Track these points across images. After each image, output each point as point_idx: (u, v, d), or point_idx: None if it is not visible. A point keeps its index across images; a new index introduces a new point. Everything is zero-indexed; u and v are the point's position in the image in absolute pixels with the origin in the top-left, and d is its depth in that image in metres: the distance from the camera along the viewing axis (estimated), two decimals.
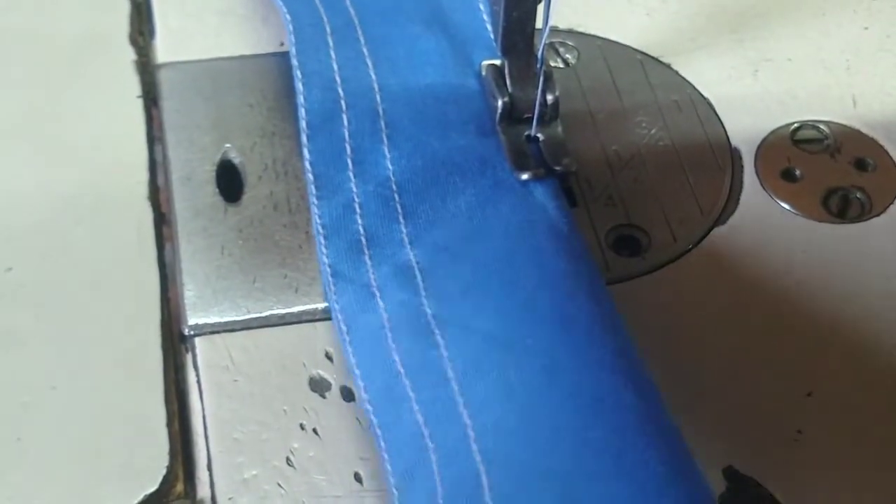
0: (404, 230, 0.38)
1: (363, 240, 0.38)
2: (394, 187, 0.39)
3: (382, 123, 0.40)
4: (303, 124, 0.40)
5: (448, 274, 0.36)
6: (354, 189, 0.39)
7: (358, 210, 0.38)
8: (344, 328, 0.36)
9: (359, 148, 0.40)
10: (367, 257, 0.37)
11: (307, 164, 0.39)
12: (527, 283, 0.35)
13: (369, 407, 0.34)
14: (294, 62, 0.42)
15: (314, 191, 0.39)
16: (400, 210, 0.38)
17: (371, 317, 0.36)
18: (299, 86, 0.41)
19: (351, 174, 0.39)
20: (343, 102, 0.41)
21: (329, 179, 0.39)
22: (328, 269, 0.37)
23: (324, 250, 0.38)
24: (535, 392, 0.32)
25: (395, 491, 0.32)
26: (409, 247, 0.37)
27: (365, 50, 0.42)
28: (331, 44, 0.42)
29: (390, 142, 0.40)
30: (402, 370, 0.34)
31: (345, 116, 0.40)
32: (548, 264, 0.36)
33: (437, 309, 0.35)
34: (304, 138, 0.40)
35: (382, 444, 0.33)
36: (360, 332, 0.36)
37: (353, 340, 0.36)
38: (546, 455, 0.31)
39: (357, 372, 0.35)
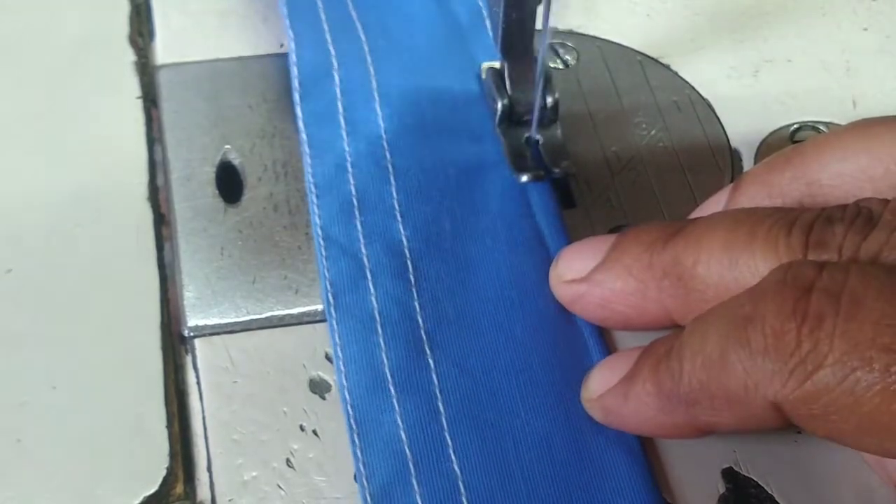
0: (395, 195, 0.38)
1: (355, 201, 0.38)
2: (385, 145, 0.40)
3: (374, 82, 0.41)
4: (295, 83, 0.41)
5: (439, 278, 0.37)
6: (347, 147, 0.39)
7: (350, 169, 0.39)
8: (332, 301, 0.36)
9: (350, 105, 0.41)
10: (358, 222, 0.38)
11: (300, 124, 0.40)
12: (512, 319, 0.36)
13: (348, 397, 0.34)
14: (286, 21, 0.43)
15: (307, 150, 0.40)
16: (391, 170, 0.39)
17: (362, 301, 0.36)
18: (291, 45, 0.42)
19: (343, 132, 0.40)
20: (335, 60, 0.42)
21: (322, 139, 0.40)
22: (319, 233, 0.38)
23: (316, 210, 0.38)
24: (529, 457, 0.33)
25: (368, 498, 0.32)
26: (400, 221, 0.38)
27: (354, 13, 0.43)
28: (320, 5, 0.44)
29: (382, 99, 0.41)
30: (389, 377, 0.34)
31: (336, 75, 0.41)
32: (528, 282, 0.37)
33: (429, 326, 0.35)
34: (296, 97, 0.41)
35: (357, 441, 0.33)
36: (349, 314, 0.36)
37: (340, 319, 0.36)
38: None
39: (340, 356, 0.35)
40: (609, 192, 0.40)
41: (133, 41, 0.45)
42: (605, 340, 0.36)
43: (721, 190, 0.36)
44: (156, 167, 0.41)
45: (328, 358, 0.36)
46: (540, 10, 0.37)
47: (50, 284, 0.37)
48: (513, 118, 0.40)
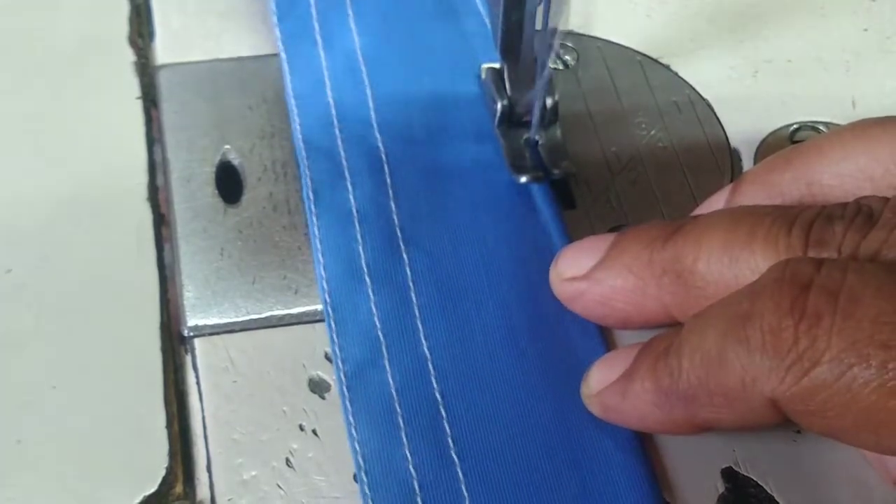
0: (371, 105, 0.41)
1: (333, 111, 0.41)
2: (360, 59, 0.42)
3: (348, 1, 0.44)
4: (272, 6, 0.43)
5: (414, 180, 0.39)
6: (323, 63, 0.43)
7: (327, 83, 0.42)
8: (312, 197, 0.39)
9: (325, 22, 0.44)
10: (336, 129, 0.41)
11: (278, 44, 0.43)
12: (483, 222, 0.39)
13: (325, 286, 0.36)
14: None
15: (286, 67, 0.42)
16: (367, 82, 0.42)
17: (340, 197, 0.39)
18: None
19: (320, 49, 0.43)
20: None
21: (299, 56, 0.42)
22: (300, 137, 0.40)
23: (296, 119, 0.41)
24: (495, 340, 0.35)
25: (343, 378, 0.34)
26: (376, 129, 0.41)
27: None
28: None
29: (356, 16, 0.44)
30: (366, 269, 0.37)
31: None
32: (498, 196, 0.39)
33: (404, 223, 0.38)
34: (273, 19, 0.43)
35: (333, 326, 0.36)
36: (329, 209, 0.38)
37: (319, 214, 0.38)
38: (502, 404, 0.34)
39: (319, 247, 0.37)
40: (609, 193, 0.40)
41: (133, 41, 0.45)
42: (604, 335, 0.36)
43: (720, 190, 0.36)
44: (156, 167, 0.41)
45: (328, 358, 0.36)
46: (540, 10, 0.37)
47: (50, 285, 0.37)
48: (512, 119, 0.40)
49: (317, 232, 0.38)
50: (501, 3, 0.37)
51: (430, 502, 0.32)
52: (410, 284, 0.36)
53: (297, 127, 0.40)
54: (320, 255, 0.37)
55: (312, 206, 0.38)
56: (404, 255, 0.37)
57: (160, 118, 0.42)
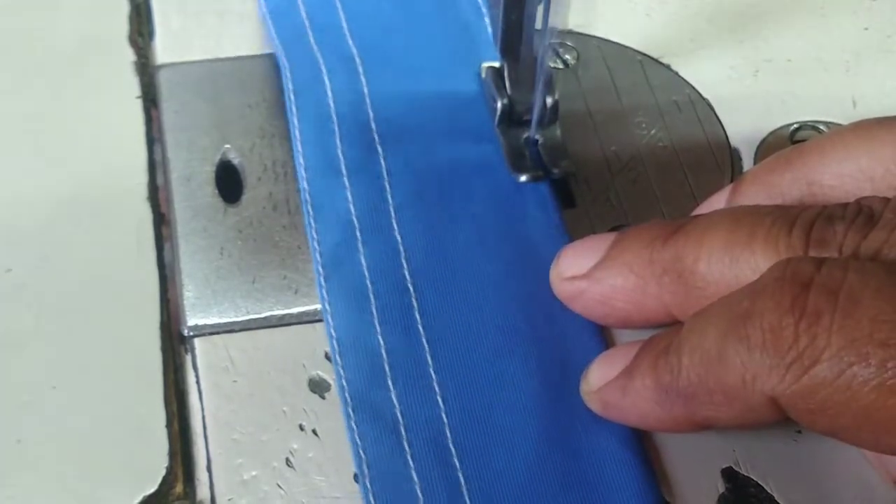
0: (344, 23, 0.44)
1: (306, 22, 0.43)
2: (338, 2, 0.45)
3: None
4: None
5: (390, 85, 0.41)
6: (303, 11, 0.44)
7: (304, 11, 0.44)
8: (293, 98, 0.41)
9: None
10: (312, 40, 0.43)
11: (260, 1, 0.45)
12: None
13: (306, 185, 0.39)
14: None
15: (268, 16, 0.44)
16: (339, 5, 0.44)
17: (319, 102, 0.41)
18: None
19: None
20: None
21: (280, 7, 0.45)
22: (281, 51, 0.42)
23: (273, 31, 0.43)
24: (466, 232, 0.38)
25: (321, 270, 0.36)
26: (350, 38, 0.43)
27: None
28: None
29: None
30: (343, 162, 0.39)
31: None
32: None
33: (380, 124, 0.40)
34: None
35: (312, 221, 0.38)
36: (309, 111, 0.40)
37: (301, 118, 0.40)
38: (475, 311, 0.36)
39: (301, 150, 0.39)
40: (609, 192, 0.40)
41: (133, 41, 0.45)
42: (603, 334, 0.36)
43: (721, 190, 0.36)
44: (156, 167, 0.41)
45: (328, 357, 0.36)
46: (540, 10, 0.37)
47: (50, 284, 0.37)
48: (512, 118, 0.40)
49: (296, 122, 0.40)
50: (501, 3, 0.37)
51: (400, 379, 0.34)
52: (385, 175, 0.38)
53: (274, 37, 0.43)
54: (299, 145, 0.39)
55: (293, 108, 0.40)
56: (380, 151, 0.39)
57: (160, 118, 0.42)
